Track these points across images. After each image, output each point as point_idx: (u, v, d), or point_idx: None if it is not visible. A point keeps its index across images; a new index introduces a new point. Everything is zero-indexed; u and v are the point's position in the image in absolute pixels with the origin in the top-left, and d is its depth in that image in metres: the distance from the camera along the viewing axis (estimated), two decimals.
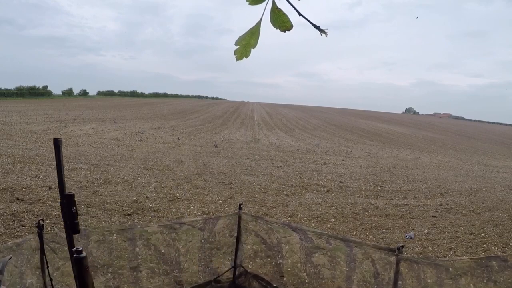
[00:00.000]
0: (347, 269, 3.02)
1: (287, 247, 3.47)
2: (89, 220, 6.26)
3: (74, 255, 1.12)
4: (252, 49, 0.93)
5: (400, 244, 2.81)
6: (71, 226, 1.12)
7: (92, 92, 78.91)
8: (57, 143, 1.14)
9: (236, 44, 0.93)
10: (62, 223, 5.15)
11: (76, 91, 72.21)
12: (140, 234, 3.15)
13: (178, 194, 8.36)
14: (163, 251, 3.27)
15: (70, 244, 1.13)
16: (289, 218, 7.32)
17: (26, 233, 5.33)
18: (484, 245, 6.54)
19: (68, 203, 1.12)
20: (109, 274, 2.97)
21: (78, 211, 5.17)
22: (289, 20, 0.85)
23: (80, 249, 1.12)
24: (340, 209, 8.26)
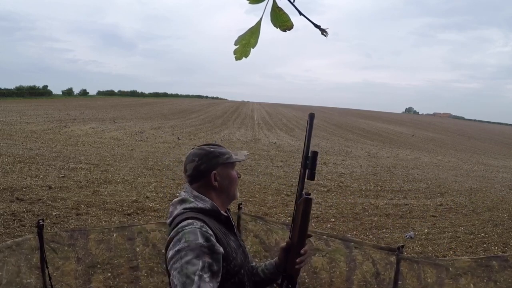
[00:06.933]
0: (347, 269, 3.02)
1: None
2: (89, 219, 6.26)
3: (304, 196, 1.35)
4: (252, 49, 0.92)
5: (400, 244, 2.82)
6: (311, 174, 1.37)
7: (92, 92, 79.07)
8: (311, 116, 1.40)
9: (235, 44, 0.91)
10: (62, 222, 5.11)
11: (76, 90, 72.36)
12: (138, 232, 3.15)
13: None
14: (162, 250, 3.27)
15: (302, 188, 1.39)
16: (289, 218, 7.31)
17: (26, 233, 5.32)
18: (484, 245, 6.54)
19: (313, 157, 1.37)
20: (109, 274, 2.97)
21: (78, 211, 5.13)
22: (290, 19, 0.84)
23: (309, 193, 1.38)
24: (340, 209, 8.26)
